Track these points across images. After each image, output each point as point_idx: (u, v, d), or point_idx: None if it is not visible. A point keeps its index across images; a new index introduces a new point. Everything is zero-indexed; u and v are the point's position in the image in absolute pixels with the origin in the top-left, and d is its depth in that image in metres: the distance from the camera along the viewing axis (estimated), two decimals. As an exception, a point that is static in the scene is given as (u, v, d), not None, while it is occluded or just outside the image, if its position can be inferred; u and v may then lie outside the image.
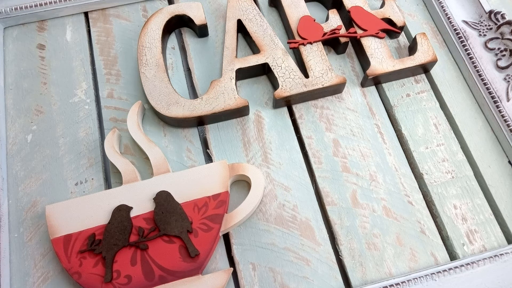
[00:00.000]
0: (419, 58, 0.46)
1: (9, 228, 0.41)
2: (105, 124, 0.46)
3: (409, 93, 0.47)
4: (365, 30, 0.47)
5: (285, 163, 0.43)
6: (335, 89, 0.46)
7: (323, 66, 0.45)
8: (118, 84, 0.48)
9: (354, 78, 0.48)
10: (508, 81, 0.46)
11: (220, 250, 0.40)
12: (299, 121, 0.46)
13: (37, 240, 0.40)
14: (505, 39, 0.47)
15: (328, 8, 0.51)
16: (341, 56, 0.49)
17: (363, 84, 0.47)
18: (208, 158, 0.44)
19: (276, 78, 0.45)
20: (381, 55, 0.46)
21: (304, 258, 0.39)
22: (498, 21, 0.48)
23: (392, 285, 0.37)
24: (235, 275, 0.39)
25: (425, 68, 0.47)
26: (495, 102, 0.45)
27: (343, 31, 0.48)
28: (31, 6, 0.50)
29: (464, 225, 0.41)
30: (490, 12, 0.49)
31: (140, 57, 0.46)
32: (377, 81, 0.47)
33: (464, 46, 0.48)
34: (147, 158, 0.42)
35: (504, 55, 0.47)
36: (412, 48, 0.48)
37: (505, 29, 0.47)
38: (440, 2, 0.50)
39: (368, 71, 0.46)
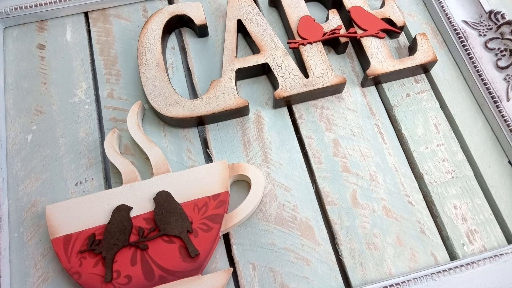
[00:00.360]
0: (419, 58, 0.46)
1: (9, 228, 0.41)
2: (105, 124, 0.46)
3: (409, 93, 0.47)
4: (365, 30, 0.47)
5: (285, 163, 0.43)
6: (335, 89, 0.46)
7: (323, 66, 0.45)
8: (118, 84, 0.48)
9: (354, 78, 0.48)
10: (508, 81, 0.46)
11: (220, 250, 0.40)
12: (299, 121, 0.46)
13: (37, 240, 0.40)
14: (505, 39, 0.47)
15: (328, 8, 0.51)
16: (341, 56, 0.49)
17: (363, 84, 0.47)
18: (208, 158, 0.44)
19: (276, 78, 0.45)
20: (381, 55, 0.46)
21: (304, 258, 0.39)
22: (498, 21, 0.48)
23: (392, 285, 0.37)
24: (235, 275, 0.39)
25: (425, 68, 0.47)
26: (495, 102, 0.45)
27: (343, 31, 0.48)
28: (31, 6, 0.50)
29: (464, 225, 0.41)
30: (490, 12, 0.49)
31: (140, 57, 0.46)
32: (377, 81, 0.47)
33: (464, 46, 0.48)
34: (147, 158, 0.42)
35: (504, 55, 0.47)
36: (412, 48, 0.48)
37: (505, 29, 0.47)
38: (440, 2, 0.50)
39: (368, 71, 0.46)
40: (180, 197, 0.39)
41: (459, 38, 0.48)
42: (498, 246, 0.40)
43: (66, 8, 0.51)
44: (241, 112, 0.45)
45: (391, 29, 0.48)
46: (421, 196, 0.42)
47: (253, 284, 0.38)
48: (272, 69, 0.45)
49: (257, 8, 0.48)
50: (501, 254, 0.39)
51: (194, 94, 0.48)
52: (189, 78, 0.49)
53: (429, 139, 0.45)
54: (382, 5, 0.50)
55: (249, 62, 0.46)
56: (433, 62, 0.47)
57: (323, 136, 0.45)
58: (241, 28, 0.48)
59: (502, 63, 0.46)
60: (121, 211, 0.38)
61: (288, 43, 0.47)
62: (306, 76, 0.45)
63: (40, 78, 0.48)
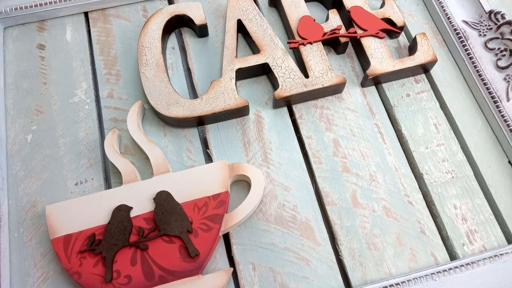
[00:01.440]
0: (419, 58, 0.46)
1: (9, 228, 0.41)
2: (105, 124, 0.46)
3: (409, 93, 0.47)
4: (365, 30, 0.47)
5: (285, 163, 0.43)
6: (335, 89, 0.46)
7: (323, 66, 0.45)
8: (118, 84, 0.48)
9: (354, 78, 0.48)
10: (508, 81, 0.46)
11: (220, 250, 0.40)
12: (299, 121, 0.46)
13: (37, 240, 0.40)
14: (505, 39, 0.47)
15: (328, 8, 0.51)
16: (341, 56, 0.49)
17: (363, 84, 0.47)
18: (208, 158, 0.44)
19: (276, 78, 0.45)
20: (381, 55, 0.46)
21: (304, 258, 0.39)
22: (498, 21, 0.48)
23: (392, 285, 0.37)
24: (235, 275, 0.39)
25: (425, 68, 0.47)
26: (495, 102, 0.45)
27: (343, 31, 0.48)
28: (31, 6, 0.50)
29: (464, 225, 0.41)
30: (490, 12, 0.49)
31: (140, 57, 0.46)
32: (377, 81, 0.47)
33: (464, 46, 0.48)
34: (147, 158, 0.42)
35: (504, 55, 0.47)
36: (412, 48, 0.48)
37: (505, 29, 0.47)
38: (440, 2, 0.50)
39: (368, 71, 0.46)
40: (180, 197, 0.39)
41: (459, 38, 0.48)
42: (498, 246, 0.40)
43: (66, 8, 0.51)
44: (241, 112, 0.45)
45: (391, 29, 0.48)
46: (421, 196, 0.42)
47: (253, 284, 0.38)
48: (272, 69, 0.45)
49: (257, 8, 0.48)
50: (501, 254, 0.39)
51: (194, 94, 0.48)
52: (189, 78, 0.49)
53: (429, 139, 0.45)
54: (382, 5, 0.50)
55: (249, 62, 0.46)
56: (433, 62, 0.47)
57: (323, 136, 0.45)
58: (241, 28, 0.48)
59: (502, 63, 0.46)
60: (121, 211, 0.38)
61: (288, 43, 0.47)
62: (306, 76, 0.45)
63: (40, 78, 0.48)
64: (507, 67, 0.46)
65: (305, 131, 0.45)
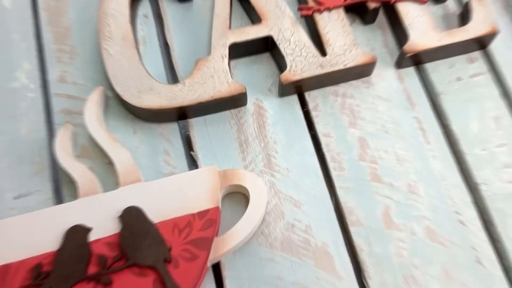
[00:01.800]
0: (474, 29, 0.46)
1: None
2: (55, 118, 0.46)
3: (461, 76, 0.47)
4: (401, -7, 0.47)
5: (294, 169, 0.44)
6: (362, 71, 0.46)
7: (346, 41, 0.45)
8: (72, 64, 0.48)
9: (386, 56, 0.48)
10: None
11: (208, 285, 0.40)
12: (313, 113, 0.46)
13: (-36, 273, 0.40)
14: None
15: (352, -37, 0.51)
16: (370, 27, 0.50)
17: (399, 65, 0.48)
18: (192, 163, 0.45)
19: (283, 57, 0.45)
20: (423, 25, 0.46)
21: (320, 296, 0.40)
22: None
23: (437, 332, 0.38)
24: (228, 318, 0.39)
25: (481, 43, 0.48)
26: None
27: (372, -7, 0.48)
28: (-44, -39, 0.50)
29: (533, 252, 0.41)
30: None
31: (101, 28, 0.46)
32: (418, 60, 0.47)
33: (533, 13, 0.48)
34: (111, 163, 0.42)
35: None
36: (464, 16, 0.48)
37: None
38: (502, -45, 0.51)
39: (406, 47, 0.46)
40: (155, 215, 0.39)
41: (528, 2, 0.49)
42: None
43: (3, -37, 0.51)
44: (236, 101, 0.45)
45: (436, -9, 0.49)
46: (476, 214, 0.42)
47: (253, 330, 0.39)
48: (278, 44, 0.45)
49: (257, -37, 0.49)
50: None
51: (173, 77, 0.48)
52: (167, 56, 0.49)
53: (487, 137, 0.45)
54: (424, -41, 0.50)
55: (247, 35, 0.46)
56: (492, 35, 0.47)
57: (346, 134, 0.45)
58: (236, -10, 0.49)
59: None
60: (77, 234, 0.38)
61: (298, 9, 0.47)
62: (323, 53, 0.45)
63: (-32, 56, 0.48)
64: None
65: (322, 127, 0.45)
